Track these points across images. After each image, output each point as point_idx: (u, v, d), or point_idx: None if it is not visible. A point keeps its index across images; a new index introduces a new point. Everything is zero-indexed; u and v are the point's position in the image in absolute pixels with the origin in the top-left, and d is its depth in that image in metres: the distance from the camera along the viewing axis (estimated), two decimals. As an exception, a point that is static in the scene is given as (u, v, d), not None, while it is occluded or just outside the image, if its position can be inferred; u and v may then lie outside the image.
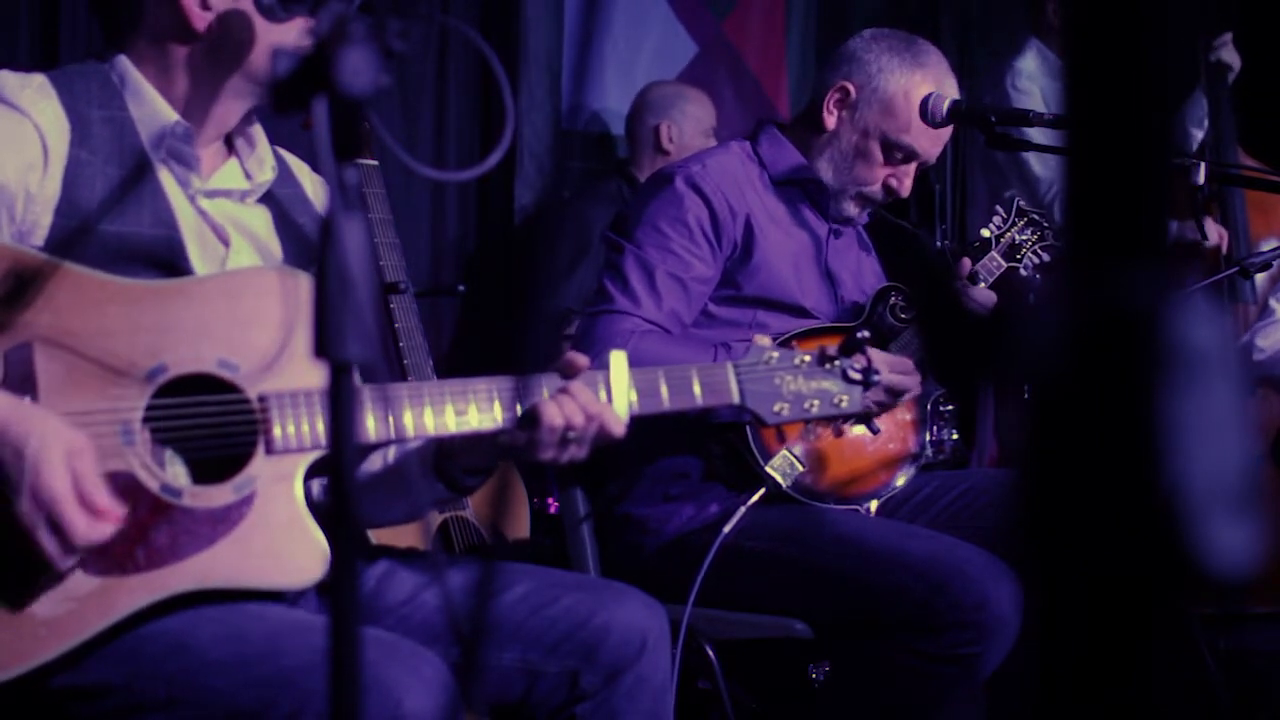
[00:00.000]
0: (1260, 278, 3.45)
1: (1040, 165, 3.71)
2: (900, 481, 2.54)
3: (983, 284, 2.61)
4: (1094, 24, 0.58)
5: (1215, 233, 3.59)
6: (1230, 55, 3.68)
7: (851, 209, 2.61)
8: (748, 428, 2.39)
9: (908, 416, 2.57)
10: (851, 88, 2.55)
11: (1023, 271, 2.65)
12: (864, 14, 5.14)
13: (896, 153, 2.54)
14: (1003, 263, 2.62)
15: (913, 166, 2.57)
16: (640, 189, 2.70)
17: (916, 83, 2.53)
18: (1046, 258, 2.66)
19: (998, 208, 2.67)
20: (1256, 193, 3.51)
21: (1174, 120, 0.57)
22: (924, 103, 2.51)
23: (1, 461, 1.44)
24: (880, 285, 2.63)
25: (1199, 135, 3.67)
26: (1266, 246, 3.51)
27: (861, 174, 2.56)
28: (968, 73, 5.23)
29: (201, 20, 1.71)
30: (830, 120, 2.57)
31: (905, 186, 2.57)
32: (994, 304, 2.60)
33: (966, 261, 2.60)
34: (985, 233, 2.64)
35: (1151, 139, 0.57)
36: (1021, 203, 2.69)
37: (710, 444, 2.46)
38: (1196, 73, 3.55)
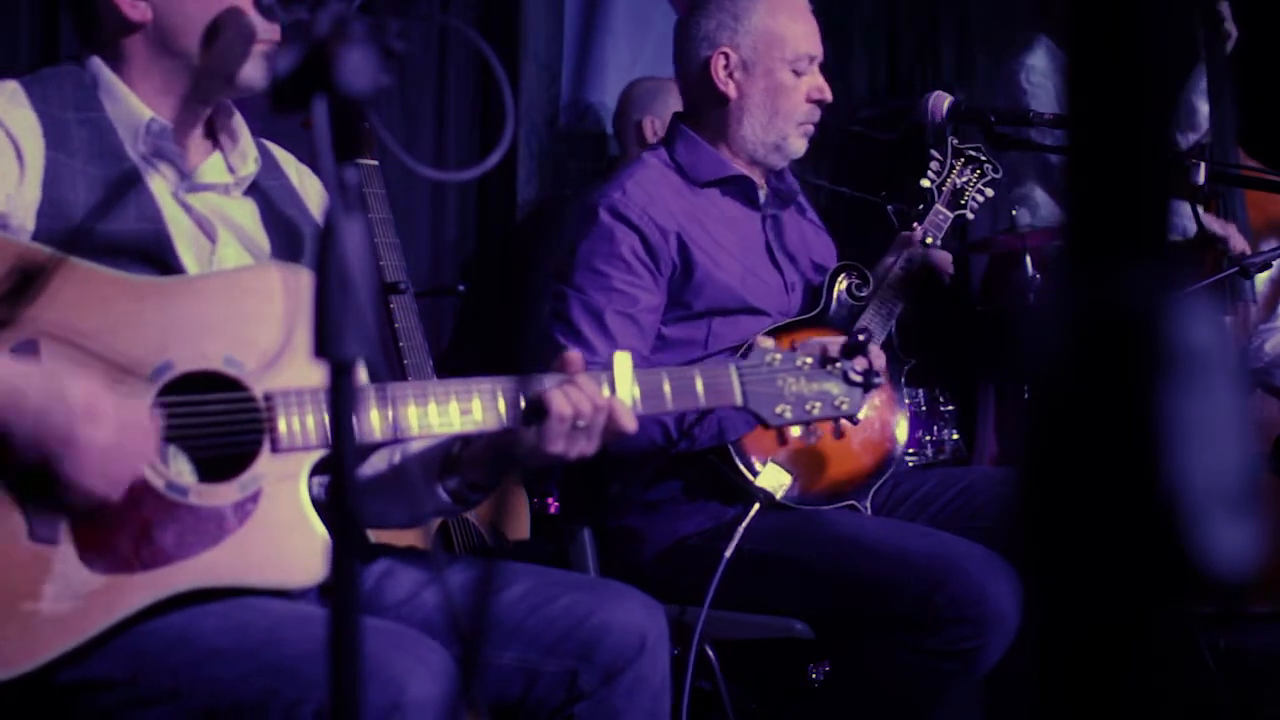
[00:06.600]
0: (1260, 278, 3.44)
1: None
2: (894, 456, 2.53)
3: (930, 239, 2.57)
4: (1095, 22, 0.58)
5: (1219, 225, 3.57)
6: (1228, 25, 3.64)
7: (799, 144, 2.59)
8: (730, 447, 2.37)
9: (880, 398, 2.55)
10: (729, 50, 2.56)
11: (969, 215, 2.61)
12: (862, 14, 5.14)
13: (801, 65, 2.56)
14: (949, 214, 2.58)
15: (816, 68, 2.58)
16: (567, 225, 2.67)
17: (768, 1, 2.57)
18: (990, 193, 2.63)
19: (933, 153, 2.61)
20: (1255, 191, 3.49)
21: (1174, 119, 0.58)
22: (923, 102, 2.53)
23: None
24: (832, 268, 2.60)
25: (1204, 109, 3.61)
26: (1266, 246, 3.50)
27: (788, 106, 2.56)
28: (967, 74, 5.23)
29: (134, 10, 1.71)
30: (731, 88, 2.57)
31: (827, 89, 2.57)
32: (950, 261, 2.58)
33: (918, 228, 2.58)
34: (925, 183, 2.59)
35: (1153, 138, 0.57)
36: (955, 142, 2.62)
37: (691, 471, 2.44)
38: (1195, 46, 3.50)
